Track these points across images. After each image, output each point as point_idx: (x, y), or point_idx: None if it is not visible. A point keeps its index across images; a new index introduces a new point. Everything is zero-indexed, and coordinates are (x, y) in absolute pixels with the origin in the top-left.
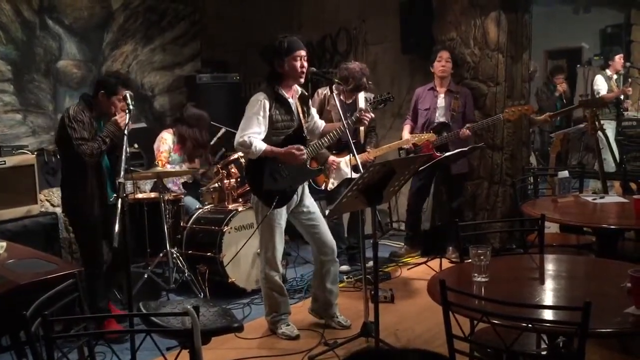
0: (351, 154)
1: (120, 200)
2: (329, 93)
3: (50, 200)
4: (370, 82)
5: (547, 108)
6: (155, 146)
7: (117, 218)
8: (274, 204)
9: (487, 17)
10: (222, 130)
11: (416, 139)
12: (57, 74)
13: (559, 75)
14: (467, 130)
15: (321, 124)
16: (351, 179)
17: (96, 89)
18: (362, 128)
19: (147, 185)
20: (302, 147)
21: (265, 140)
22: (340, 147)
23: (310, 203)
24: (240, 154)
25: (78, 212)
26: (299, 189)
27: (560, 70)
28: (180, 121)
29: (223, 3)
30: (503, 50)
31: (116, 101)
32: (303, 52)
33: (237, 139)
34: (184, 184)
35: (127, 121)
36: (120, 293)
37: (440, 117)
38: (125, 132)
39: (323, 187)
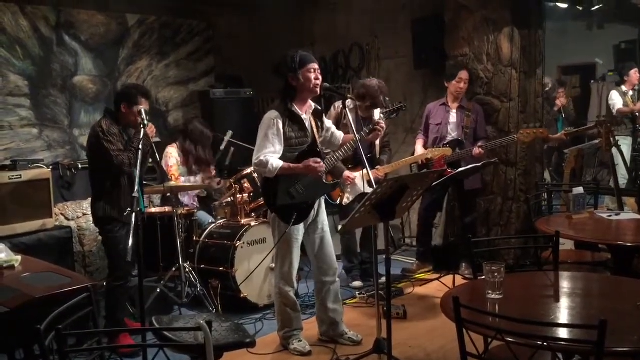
0: (365, 169)
1: (134, 214)
2: (350, 107)
3: (65, 214)
4: (387, 99)
5: (548, 123)
6: (163, 162)
7: (131, 232)
8: (293, 220)
9: (500, 33)
10: (227, 138)
11: (432, 153)
12: (73, 89)
13: (559, 89)
14: (480, 149)
15: (340, 134)
16: (365, 194)
17: (118, 101)
18: (377, 142)
19: (158, 199)
20: (318, 159)
21: (280, 157)
22: (356, 161)
23: (324, 220)
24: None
25: (110, 224)
26: (316, 204)
27: (560, 84)
28: (183, 135)
29: (236, 19)
30: (516, 66)
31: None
32: (316, 65)
33: (254, 160)
34: (198, 198)
35: (154, 133)
36: (132, 307)
37: (451, 132)
38: (140, 146)
39: (338, 202)
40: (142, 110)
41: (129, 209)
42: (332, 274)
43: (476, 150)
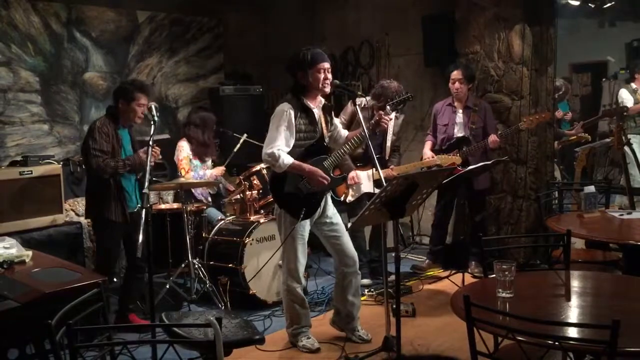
0: (374, 168)
1: (144, 210)
2: (362, 104)
3: (75, 209)
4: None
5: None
6: (175, 157)
7: (141, 228)
8: (302, 215)
9: (512, 31)
10: (243, 138)
11: (441, 160)
12: (84, 86)
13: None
14: (495, 137)
15: (344, 133)
16: (371, 193)
17: (115, 98)
18: (388, 144)
19: (170, 195)
20: (327, 177)
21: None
22: (365, 160)
23: (333, 214)
24: (262, 165)
25: (98, 220)
26: (322, 199)
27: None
28: (187, 124)
29: (246, 16)
30: (527, 64)
31: (136, 107)
32: (327, 65)
33: (266, 150)
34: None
35: (154, 159)
36: (142, 303)
37: (458, 132)
38: (150, 142)
39: (342, 199)
40: (153, 107)
41: (138, 206)
42: (352, 264)
43: (492, 138)
